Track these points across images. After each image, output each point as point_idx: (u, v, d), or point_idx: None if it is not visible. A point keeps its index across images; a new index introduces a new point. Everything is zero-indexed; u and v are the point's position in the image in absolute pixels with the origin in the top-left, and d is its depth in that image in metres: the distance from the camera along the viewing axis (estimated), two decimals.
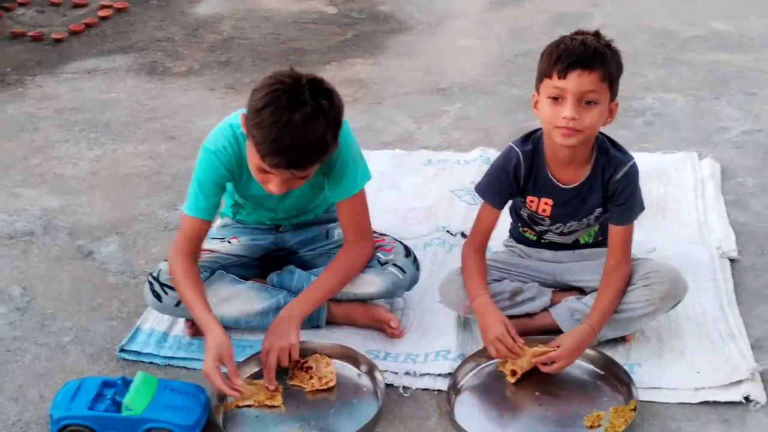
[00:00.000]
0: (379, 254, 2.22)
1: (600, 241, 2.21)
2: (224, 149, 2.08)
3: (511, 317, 2.09)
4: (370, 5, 4.73)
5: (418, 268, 2.26)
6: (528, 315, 2.15)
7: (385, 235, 2.30)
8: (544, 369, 1.98)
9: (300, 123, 1.87)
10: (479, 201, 2.45)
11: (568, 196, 2.10)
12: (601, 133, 2.08)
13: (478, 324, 2.06)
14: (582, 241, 2.21)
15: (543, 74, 1.99)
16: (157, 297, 2.16)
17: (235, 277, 2.22)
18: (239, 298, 2.19)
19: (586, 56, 1.94)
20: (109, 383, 1.98)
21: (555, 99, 1.96)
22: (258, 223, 2.36)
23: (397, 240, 2.28)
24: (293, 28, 4.40)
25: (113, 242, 2.69)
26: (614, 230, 2.10)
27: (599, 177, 2.08)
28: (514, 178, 2.10)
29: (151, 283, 2.17)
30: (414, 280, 2.25)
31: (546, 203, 2.12)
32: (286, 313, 2.10)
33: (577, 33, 2.02)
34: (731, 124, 3.14)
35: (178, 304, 2.14)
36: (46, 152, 3.29)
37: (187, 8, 4.80)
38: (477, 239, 2.18)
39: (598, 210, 2.12)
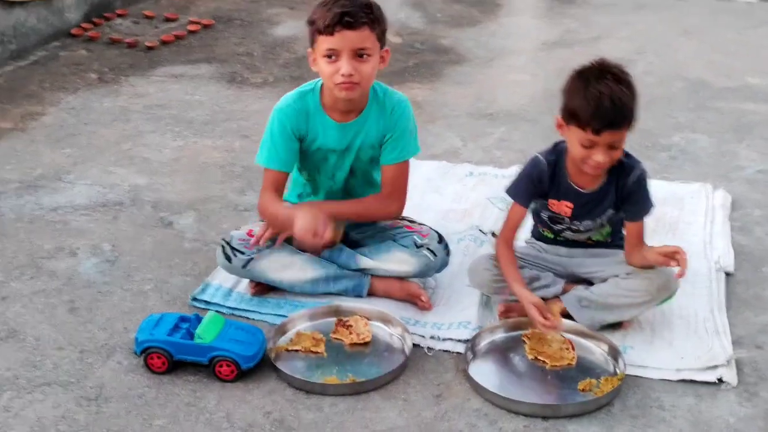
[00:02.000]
0: (415, 238, 2.59)
1: (610, 242, 2.56)
2: (288, 106, 2.52)
3: None
4: (433, 38, 5.15)
5: (448, 253, 2.62)
6: (542, 299, 2.50)
7: (423, 224, 2.68)
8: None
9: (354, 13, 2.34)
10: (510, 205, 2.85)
11: (586, 199, 2.45)
12: None
13: (520, 299, 2.37)
14: (594, 239, 2.55)
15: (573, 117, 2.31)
16: (228, 258, 2.55)
17: (293, 248, 2.61)
18: (295, 266, 2.57)
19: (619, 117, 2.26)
20: (185, 318, 2.37)
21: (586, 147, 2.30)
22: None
23: (433, 229, 2.65)
24: None
25: (190, 216, 3.11)
26: (630, 226, 2.46)
27: (614, 182, 2.42)
28: (539, 183, 2.44)
29: (223, 247, 2.56)
30: (444, 264, 2.61)
31: (567, 206, 2.46)
32: (315, 204, 2.53)
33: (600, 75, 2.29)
34: (748, 164, 3.46)
35: (244, 266, 2.54)
36: (136, 140, 3.75)
37: (267, 29, 5.28)
38: (507, 233, 2.51)
39: (610, 211, 2.46)
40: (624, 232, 2.51)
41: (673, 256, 2.32)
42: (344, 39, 2.35)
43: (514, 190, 2.52)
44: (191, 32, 5.18)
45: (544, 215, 2.56)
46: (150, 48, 4.89)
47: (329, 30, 2.35)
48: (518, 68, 4.65)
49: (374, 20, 2.40)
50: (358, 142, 2.56)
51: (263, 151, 2.57)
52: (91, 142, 3.72)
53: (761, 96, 4.18)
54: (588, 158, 2.31)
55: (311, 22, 2.43)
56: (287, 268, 2.58)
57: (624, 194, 2.43)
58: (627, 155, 2.45)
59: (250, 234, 2.59)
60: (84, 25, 5.17)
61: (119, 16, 5.45)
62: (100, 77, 4.48)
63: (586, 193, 2.45)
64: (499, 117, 3.98)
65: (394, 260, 2.58)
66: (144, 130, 3.85)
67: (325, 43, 2.38)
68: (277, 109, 2.55)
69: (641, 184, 2.43)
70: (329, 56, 2.39)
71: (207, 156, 3.59)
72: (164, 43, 4.98)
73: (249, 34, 5.19)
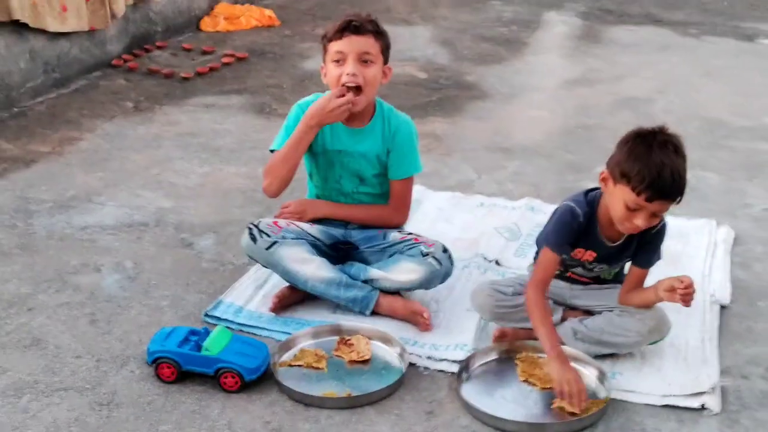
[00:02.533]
0: (421, 247, 2.73)
1: (612, 279, 2.63)
2: (306, 102, 2.79)
3: (526, 328, 2.55)
4: (457, 74, 5.30)
5: (452, 263, 2.75)
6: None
7: (422, 236, 2.83)
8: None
9: (351, 13, 2.72)
10: (515, 238, 2.99)
11: (611, 251, 2.51)
12: None
13: (555, 373, 2.32)
14: (603, 277, 2.63)
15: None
16: (253, 239, 2.71)
17: (313, 249, 2.76)
18: (313, 264, 2.71)
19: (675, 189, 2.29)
20: (195, 332, 2.51)
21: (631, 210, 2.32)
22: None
23: (437, 240, 2.78)
24: (385, 87, 4.88)
25: (210, 238, 3.26)
26: (635, 270, 2.51)
27: (637, 235, 2.45)
28: (575, 232, 2.46)
29: (250, 228, 2.73)
30: (448, 273, 2.73)
31: (590, 255, 2.52)
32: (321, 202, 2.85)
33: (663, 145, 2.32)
34: (755, 202, 3.53)
35: (268, 248, 2.69)
36: (165, 165, 3.93)
37: (298, 62, 5.48)
38: (541, 280, 2.47)
39: (628, 260, 2.54)
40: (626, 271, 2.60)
41: (675, 290, 2.34)
42: (351, 43, 2.65)
43: (553, 240, 2.47)
44: (225, 64, 5.40)
45: (563, 256, 2.56)
46: (185, 79, 5.11)
47: (338, 35, 2.66)
48: (538, 105, 4.77)
49: (378, 32, 2.71)
50: (362, 149, 2.77)
51: (278, 139, 2.85)
52: (123, 166, 3.92)
53: None
54: (628, 220, 2.34)
55: (323, 36, 2.73)
56: (306, 262, 2.72)
57: (642, 243, 2.49)
58: None
59: (276, 224, 2.78)
60: (125, 56, 5.41)
61: (159, 48, 5.69)
62: (136, 106, 4.70)
63: (612, 246, 2.51)
64: (514, 151, 4.10)
65: (402, 270, 2.72)
66: (173, 156, 4.03)
67: (334, 47, 2.68)
68: (297, 104, 2.86)
69: (661, 236, 2.49)
70: (337, 60, 2.68)
71: (230, 182, 3.76)
72: (199, 74, 5.20)
73: (280, 67, 5.39)
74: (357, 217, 2.87)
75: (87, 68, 5.13)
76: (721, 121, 4.45)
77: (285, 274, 2.73)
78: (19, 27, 4.55)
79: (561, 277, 2.66)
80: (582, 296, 2.63)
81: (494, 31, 6.30)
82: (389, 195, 2.89)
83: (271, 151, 2.86)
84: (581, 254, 2.54)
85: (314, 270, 2.71)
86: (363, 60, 2.67)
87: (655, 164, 2.28)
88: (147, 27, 5.72)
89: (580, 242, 2.52)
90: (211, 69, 5.29)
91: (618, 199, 2.36)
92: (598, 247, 2.52)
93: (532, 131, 4.36)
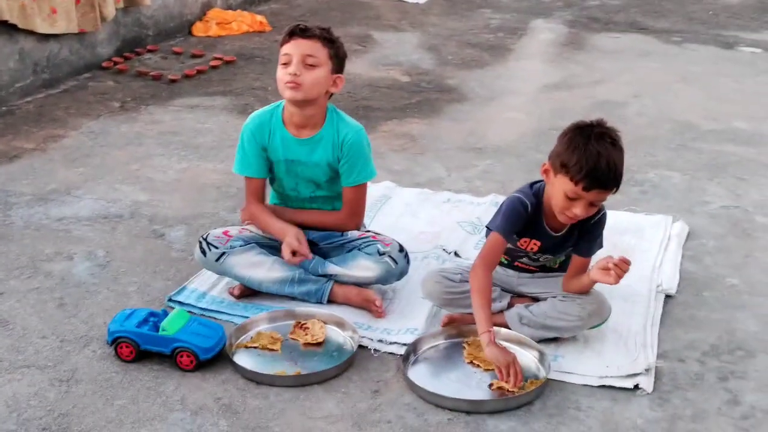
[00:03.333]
0: (378, 246, 2.82)
1: (558, 268, 2.74)
2: (252, 121, 2.90)
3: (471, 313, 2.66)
4: (439, 78, 5.41)
5: (408, 262, 2.84)
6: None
7: (379, 234, 2.92)
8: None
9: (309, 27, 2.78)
10: (477, 231, 3.13)
11: (555, 241, 2.63)
12: None
13: (493, 356, 2.41)
14: (547, 266, 2.73)
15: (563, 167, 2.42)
16: (203, 252, 2.82)
17: (264, 250, 2.86)
18: (264, 266, 2.81)
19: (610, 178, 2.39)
20: (155, 313, 2.62)
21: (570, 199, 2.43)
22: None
23: (394, 240, 2.88)
24: (368, 90, 5.11)
25: (181, 229, 3.37)
26: (576, 259, 2.62)
27: (578, 224, 2.57)
28: (522, 221, 2.57)
29: (200, 242, 2.84)
30: (403, 271, 2.83)
31: (535, 244, 2.64)
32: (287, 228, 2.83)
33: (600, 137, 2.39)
34: (713, 200, 3.62)
35: (217, 259, 2.81)
36: (144, 161, 4.05)
37: None
38: (489, 263, 2.56)
39: (570, 248, 2.65)
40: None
41: (607, 266, 2.44)
42: (296, 45, 2.74)
43: (503, 226, 2.57)
44: (213, 67, 5.52)
45: (509, 245, 2.67)
46: (173, 81, 5.23)
47: (287, 38, 2.77)
48: (515, 107, 4.87)
49: (327, 39, 2.78)
50: (315, 158, 2.84)
51: (237, 162, 2.94)
52: (104, 162, 4.03)
53: (742, 138, 4.33)
54: (567, 209, 2.45)
55: (280, 44, 2.82)
56: (256, 266, 2.82)
57: (582, 232, 2.60)
58: None
59: (225, 234, 2.88)
60: (115, 58, 5.54)
61: (149, 51, 5.82)
62: (122, 105, 4.82)
63: (556, 236, 2.62)
64: (486, 151, 4.20)
65: (359, 267, 2.81)
66: (153, 153, 4.15)
67: (282, 51, 2.78)
68: (245, 125, 2.92)
69: (599, 225, 2.59)
70: (285, 63, 2.76)
71: (206, 177, 3.87)
72: (186, 76, 5.32)
73: (267, 70, 5.51)
74: (311, 223, 2.92)
75: (76, 70, 5.26)
76: (692, 124, 4.54)
77: (239, 279, 2.85)
78: (8, 28, 4.69)
79: (509, 266, 2.76)
80: (529, 284, 2.73)
81: (480, 38, 6.41)
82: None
83: (236, 172, 2.96)
84: (527, 244, 2.65)
85: (266, 272, 2.81)
86: (307, 63, 2.73)
87: (591, 155, 2.38)
88: (138, 31, 5.86)
89: (526, 232, 2.62)
90: (199, 72, 5.41)
91: (558, 190, 2.46)
92: (543, 237, 2.62)
93: (506, 132, 4.46)
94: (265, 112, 2.91)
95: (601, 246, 2.64)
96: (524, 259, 2.73)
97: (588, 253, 2.61)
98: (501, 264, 2.79)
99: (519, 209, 2.57)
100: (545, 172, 2.53)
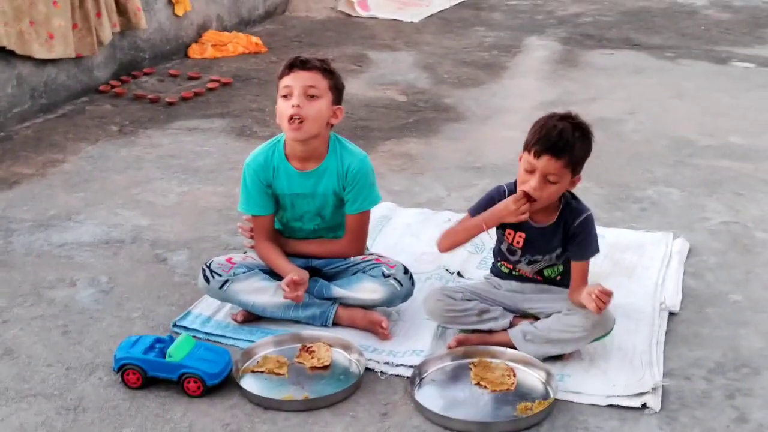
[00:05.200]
0: (383, 269, 2.83)
1: (559, 280, 2.76)
2: (254, 160, 2.86)
3: (475, 331, 2.68)
4: (436, 97, 5.44)
5: (413, 284, 2.85)
6: (489, 332, 2.70)
7: (383, 256, 2.93)
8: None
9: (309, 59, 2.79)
10: (479, 251, 3.18)
11: (537, 233, 2.68)
12: (568, 191, 2.66)
13: (496, 211, 2.63)
14: (546, 275, 2.76)
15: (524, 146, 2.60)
16: (207, 280, 2.82)
17: (267, 276, 2.86)
18: (268, 292, 2.81)
19: (559, 145, 2.52)
20: (161, 340, 2.62)
21: (528, 172, 2.57)
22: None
23: (399, 262, 2.88)
24: (365, 110, 5.13)
25: (183, 253, 3.37)
26: (574, 265, 2.68)
27: (562, 223, 2.65)
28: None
29: (204, 269, 2.84)
30: (408, 293, 2.84)
31: (520, 236, 2.70)
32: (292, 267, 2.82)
33: (562, 118, 2.60)
34: (713, 216, 3.64)
35: (221, 287, 2.80)
36: (145, 185, 4.05)
37: None
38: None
39: (558, 249, 2.68)
40: None
41: (590, 294, 2.49)
42: (297, 77, 2.74)
43: (475, 209, 2.76)
44: (210, 89, 5.53)
45: (503, 247, 2.78)
46: (170, 104, 5.24)
47: (286, 71, 2.77)
48: (511, 126, 4.89)
49: (327, 70, 2.79)
50: (320, 189, 2.85)
51: (243, 202, 2.94)
52: (104, 186, 4.04)
53: (739, 153, 4.36)
54: (525, 183, 2.58)
55: (278, 76, 2.80)
56: (260, 292, 2.83)
57: (570, 235, 2.66)
58: (576, 200, 2.69)
59: (229, 261, 2.88)
60: (112, 82, 5.55)
61: (146, 74, 5.84)
62: (120, 129, 4.83)
63: (537, 227, 2.68)
64: (485, 170, 4.22)
65: (364, 289, 2.82)
66: (153, 177, 4.15)
67: (282, 83, 2.78)
68: (247, 164, 2.91)
69: (585, 227, 2.65)
70: (285, 96, 2.76)
71: (207, 201, 3.88)
72: (184, 99, 5.33)
73: (264, 91, 5.53)
74: (315, 253, 2.93)
75: (74, 94, 5.27)
76: (688, 140, 4.57)
77: (243, 306, 2.84)
78: (5, 53, 4.70)
79: (510, 276, 2.79)
80: (532, 299, 2.75)
81: (475, 56, 6.45)
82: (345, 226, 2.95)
83: (241, 211, 2.98)
84: (512, 236, 2.72)
85: (270, 297, 2.81)
86: (309, 94, 2.73)
87: (546, 126, 2.56)
88: (134, 54, 5.87)
89: (509, 224, 2.69)
90: (196, 94, 5.42)
91: (520, 168, 2.60)
92: (526, 228, 2.68)
93: (504, 151, 4.47)
94: (267, 148, 2.89)
95: (597, 251, 2.67)
96: (521, 265, 2.75)
97: (581, 256, 2.65)
98: (503, 276, 2.81)
99: (492, 194, 2.74)
100: (520, 159, 2.64)
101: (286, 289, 2.72)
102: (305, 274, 2.77)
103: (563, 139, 2.53)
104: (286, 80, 2.77)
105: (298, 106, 2.72)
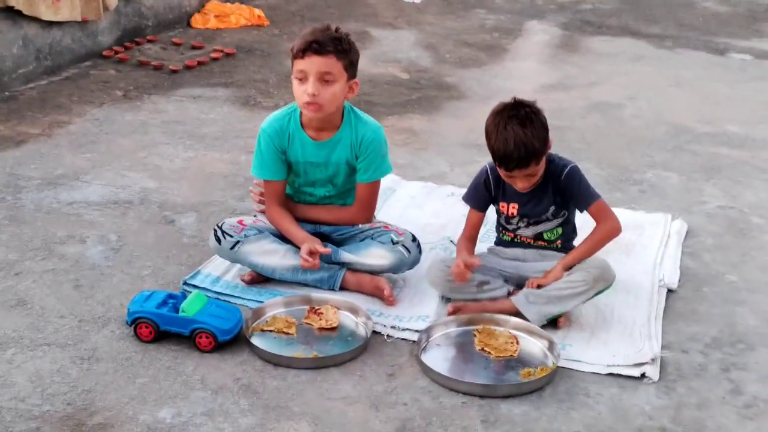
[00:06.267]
0: (392, 235, 2.89)
1: (560, 246, 2.84)
2: (270, 126, 2.92)
3: (476, 300, 2.76)
4: (438, 76, 5.49)
5: (420, 251, 2.92)
6: (491, 300, 2.78)
7: (392, 225, 2.99)
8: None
9: (318, 29, 2.79)
10: (482, 224, 3.20)
11: (527, 198, 2.78)
12: (551, 153, 2.78)
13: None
14: (546, 238, 2.84)
15: None
16: (218, 240, 2.87)
17: (277, 238, 2.92)
18: (278, 254, 2.87)
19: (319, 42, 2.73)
20: (173, 296, 2.67)
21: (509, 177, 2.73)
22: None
23: (407, 230, 2.95)
24: (368, 85, 5.17)
25: (191, 216, 3.42)
26: (588, 211, 2.77)
27: (549, 183, 2.76)
28: (485, 188, 2.82)
29: (215, 230, 2.89)
30: (416, 260, 2.91)
31: (513, 207, 2.81)
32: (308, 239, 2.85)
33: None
34: (710, 200, 3.72)
35: (232, 247, 2.86)
36: (151, 149, 4.09)
37: (284, 60, 5.64)
38: (467, 233, 2.90)
39: (552, 207, 2.78)
40: (575, 241, 2.87)
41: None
42: (312, 63, 2.74)
43: (467, 197, 2.93)
44: (214, 59, 5.56)
45: (502, 220, 2.89)
46: (174, 71, 5.27)
47: (300, 54, 2.76)
48: None
49: (341, 51, 2.78)
50: (334, 158, 2.90)
51: (256, 166, 2.97)
52: (110, 149, 4.07)
53: (736, 142, 4.44)
54: (513, 185, 2.76)
55: (291, 50, 2.82)
56: (270, 254, 2.88)
57: (561, 190, 2.76)
58: (559, 157, 2.79)
59: (240, 223, 2.93)
60: (116, 48, 5.57)
61: (149, 41, 5.85)
62: (124, 94, 4.85)
63: (525, 193, 2.78)
64: (486, 148, 4.27)
65: (372, 255, 2.88)
66: (159, 141, 4.19)
67: (297, 65, 2.78)
68: (263, 128, 2.96)
69: (572, 177, 2.76)
70: (300, 79, 2.78)
71: (213, 167, 3.92)
72: (187, 67, 5.36)
73: (267, 63, 5.56)
74: (324, 219, 2.98)
75: (78, 58, 5.28)
76: (686, 127, 4.64)
77: (253, 267, 2.89)
78: (13, 14, 4.71)
79: (513, 244, 2.89)
80: (535, 265, 2.83)
81: (476, 37, 6.50)
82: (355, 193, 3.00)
83: (254, 175, 3.00)
84: (506, 208, 2.83)
85: (279, 260, 2.86)
86: (324, 79, 2.75)
87: (500, 141, 2.65)
88: (138, 21, 5.88)
89: (498, 196, 2.83)
90: (200, 63, 5.45)
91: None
92: (516, 198, 2.79)
93: None
94: (283, 115, 2.94)
95: (597, 195, 2.76)
96: (521, 230, 2.85)
97: (582, 204, 2.76)
98: (506, 244, 2.89)
99: (478, 178, 2.89)
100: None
101: (306, 257, 2.76)
102: (321, 244, 2.82)
103: (525, 152, 2.62)
104: (301, 64, 2.75)
105: (314, 94, 2.74)
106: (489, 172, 2.82)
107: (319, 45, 2.74)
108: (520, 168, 2.65)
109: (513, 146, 2.61)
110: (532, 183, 2.73)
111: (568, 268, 2.69)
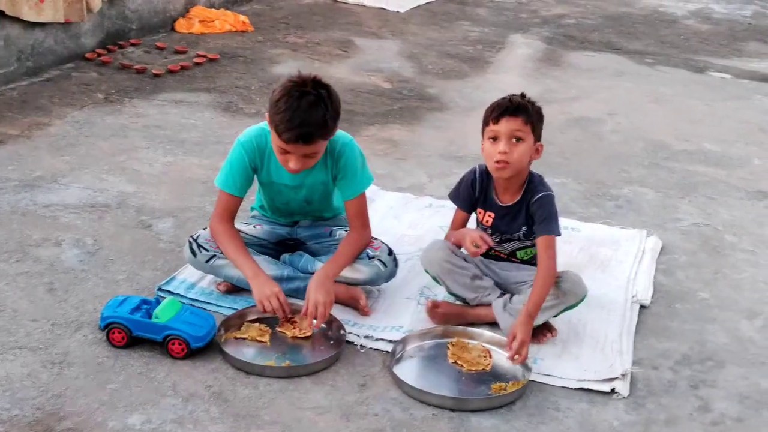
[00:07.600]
0: (368, 250, 2.89)
1: (534, 263, 2.86)
2: (249, 141, 2.85)
3: (464, 300, 2.83)
4: (420, 87, 5.51)
5: (396, 265, 2.93)
6: (467, 305, 2.80)
7: (375, 238, 2.98)
8: (516, 362, 2.57)
9: (306, 107, 2.61)
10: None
11: (503, 212, 2.82)
12: (534, 173, 2.79)
13: (459, 234, 2.83)
14: (519, 257, 2.88)
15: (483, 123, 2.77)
16: (193, 253, 2.86)
17: (253, 249, 2.91)
18: None
19: (511, 107, 2.72)
20: (147, 301, 2.66)
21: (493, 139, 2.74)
22: (278, 218, 3.07)
23: (384, 243, 2.96)
24: (350, 95, 5.18)
25: (168, 222, 3.42)
26: (538, 241, 2.75)
27: (525, 202, 2.78)
28: (472, 188, 2.85)
29: (190, 243, 2.88)
30: (392, 274, 2.92)
31: (489, 215, 2.85)
32: (323, 274, 2.74)
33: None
34: (685, 217, 3.76)
35: (207, 261, 2.84)
36: (130, 153, 4.08)
37: (268, 66, 5.66)
38: (453, 229, 2.92)
39: (524, 228, 2.80)
40: None
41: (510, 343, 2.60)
42: (297, 149, 2.67)
43: (453, 195, 2.97)
44: (197, 64, 5.55)
45: (479, 228, 2.90)
46: (156, 75, 5.26)
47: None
48: None
49: (328, 133, 2.71)
50: (309, 181, 2.89)
51: (222, 175, 2.90)
52: (89, 152, 4.06)
53: (713, 160, 4.49)
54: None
55: (271, 117, 2.68)
56: None
57: (530, 212, 2.78)
58: (542, 182, 2.82)
59: None
60: (98, 50, 5.55)
61: (132, 45, 5.84)
62: (106, 97, 4.84)
63: (503, 206, 2.82)
64: (467, 159, 4.30)
65: (349, 268, 2.87)
66: (139, 146, 4.18)
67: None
68: (239, 140, 2.89)
69: (542, 204, 2.77)
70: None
71: (192, 172, 3.92)
72: (170, 72, 5.35)
73: (250, 70, 5.56)
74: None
75: (60, 59, 5.26)
76: (664, 144, 4.69)
77: (229, 279, 2.88)
78: None
79: (489, 256, 2.91)
80: (511, 275, 2.88)
81: (459, 49, 6.53)
82: (342, 209, 2.99)
83: (216, 185, 2.89)
84: (482, 215, 2.87)
85: None
86: (308, 155, 2.70)
87: (496, 101, 2.78)
88: (122, 24, 5.87)
89: (479, 201, 2.87)
90: (183, 67, 5.44)
91: (485, 143, 2.80)
92: (494, 207, 2.84)
93: None
94: (261, 133, 2.85)
95: (556, 232, 2.73)
96: (495, 245, 2.86)
97: (539, 232, 2.73)
98: (484, 256, 2.90)
99: (465, 176, 2.92)
100: (482, 149, 2.81)
101: (266, 305, 2.67)
102: (280, 292, 2.72)
103: (514, 102, 2.73)
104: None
105: (505, 152, 2.70)
106: (478, 174, 2.86)
107: (307, 138, 2.65)
108: (509, 115, 2.72)
109: (506, 100, 2.74)
110: (516, 154, 2.70)
111: (534, 316, 2.65)
